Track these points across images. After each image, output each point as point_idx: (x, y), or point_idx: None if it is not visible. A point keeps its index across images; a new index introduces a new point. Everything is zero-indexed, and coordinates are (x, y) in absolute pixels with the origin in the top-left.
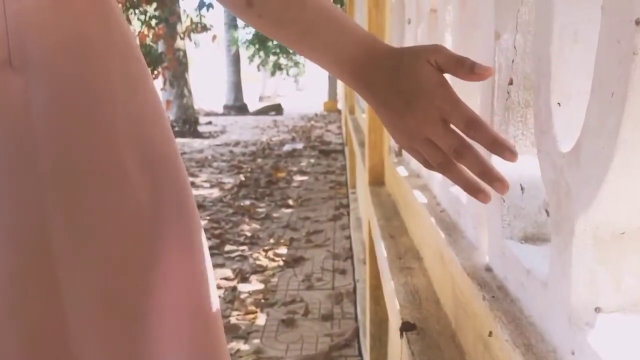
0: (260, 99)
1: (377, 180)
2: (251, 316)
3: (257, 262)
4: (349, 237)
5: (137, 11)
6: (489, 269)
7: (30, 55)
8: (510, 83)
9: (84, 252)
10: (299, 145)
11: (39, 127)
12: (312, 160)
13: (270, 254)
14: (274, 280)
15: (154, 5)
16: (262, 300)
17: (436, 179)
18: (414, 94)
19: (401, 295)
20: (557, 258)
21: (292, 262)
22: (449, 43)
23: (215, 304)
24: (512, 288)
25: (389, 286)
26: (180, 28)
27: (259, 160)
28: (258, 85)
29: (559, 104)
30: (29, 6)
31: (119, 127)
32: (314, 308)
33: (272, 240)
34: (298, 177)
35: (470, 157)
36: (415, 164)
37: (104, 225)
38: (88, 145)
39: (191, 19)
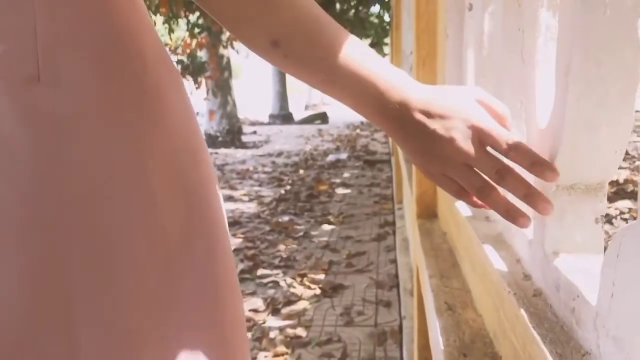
0: (306, 107)
1: (427, 212)
2: (280, 358)
3: (291, 290)
4: (394, 261)
5: (179, 21)
6: None
7: (60, 71)
8: None
9: (103, 289)
10: (343, 156)
11: (65, 146)
12: (356, 172)
13: (306, 280)
14: (309, 312)
15: (197, 14)
16: (294, 339)
17: (519, 234)
18: (454, 120)
19: None
20: None
21: (330, 290)
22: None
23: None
24: None
25: None
26: (223, 37)
27: (301, 171)
28: (305, 94)
29: None
30: (60, 22)
31: (150, 150)
32: (353, 350)
33: (309, 263)
34: (341, 190)
35: (513, 179)
36: None
37: (128, 260)
38: (116, 169)
39: None
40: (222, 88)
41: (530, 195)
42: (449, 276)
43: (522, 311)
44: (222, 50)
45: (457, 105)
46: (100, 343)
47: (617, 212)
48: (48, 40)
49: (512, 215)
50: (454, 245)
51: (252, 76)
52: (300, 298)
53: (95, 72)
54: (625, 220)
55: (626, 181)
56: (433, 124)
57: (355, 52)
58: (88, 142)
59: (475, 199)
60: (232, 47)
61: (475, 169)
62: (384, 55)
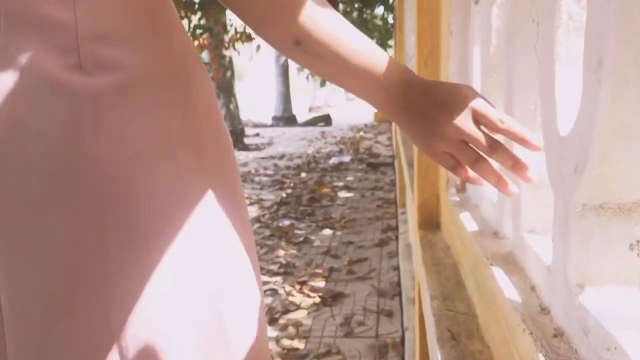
0: (310, 109)
1: (429, 223)
2: None
3: (290, 299)
4: (397, 268)
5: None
6: None
7: (102, 60)
8: None
9: (136, 253)
10: (346, 158)
11: (102, 119)
12: (359, 174)
13: (305, 288)
14: (307, 322)
15: (199, 14)
16: (291, 352)
17: (534, 256)
18: (453, 103)
19: None
20: None
21: (330, 299)
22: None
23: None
24: None
25: None
26: (226, 37)
27: (303, 174)
28: (309, 96)
29: None
30: (99, 10)
31: (178, 131)
32: None
33: (309, 270)
34: (343, 194)
35: (503, 151)
36: (487, 211)
37: (155, 230)
38: (146, 145)
39: (235, 29)
40: (224, 90)
41: (517, 165)
42: (453, 298)
43: (541, 357)
44: (224, 52)
45: (456, 89)
46: (131, 295)
47: None
48: (88, 33)
49: (502, 184)
50: (459, 259)
51: (256, 78)
52: (299, 307)
53: (131, 63)
54: None
55: None
56: (435, 109)
57: (365, 47)
58: (123, 117)
59: (468, 174)
60: (234, 49)
61: (470, 145)
62: None
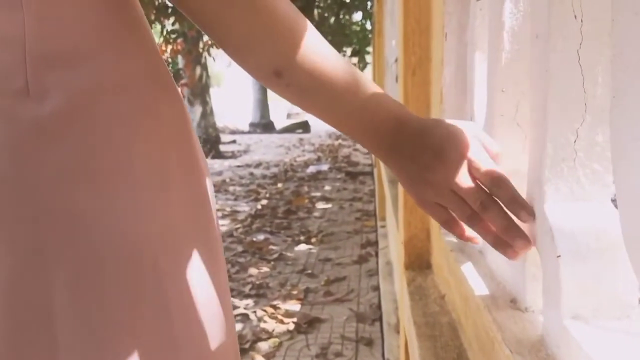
0: (288, 116)
1: (418, 263)
2: None
3: (262, 325)
4: (377, 288)
5: (154, 26)
6: None
7: (49, 85)
8: None
9: (85, 290)
10: (324, 167)
11: (50, 157)
12: (338, 184)
13: (278, 312)
14: (280, 353)
15: (172, 19)
16: None
17: (580, 356)
18: (446, 149)
19: None
20: None
21: (305, 325)
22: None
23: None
24: None
25: None
26: (201, 43)
27: (280, 184)
28: (286, 102)
29: None
30: (50, 35)
31: (137, 165)
32: None
33: (283, 291)
34: (321, 205)
35: (496, 210)
36: (497, 265)
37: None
38: (98, 177)
39: None
40: (199, 96)
41: (510, 229)
42: None
43: None
44: (199, 57)
45: (452, 135)
46: (80, 342)
47: None
48: (36, 54)
49: (501, 245)
50: (457, 317)
51: (234, 84)
52: (271, 335)
53: (82, 89)
54: None
55: None
56: (426, 154)
57: (354, 82)
58: (71, 146)
59: (463, 231)
60: (209, 54)
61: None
62: (366, 63)
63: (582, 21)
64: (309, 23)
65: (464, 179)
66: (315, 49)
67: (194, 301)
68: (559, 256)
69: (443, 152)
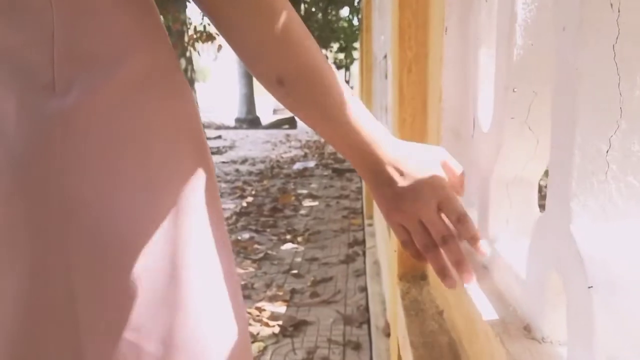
0: (275, 111)
1: (412, 274)
2: None
3: None
4: (364, 289)
5: None
6: None
7: (73, 81)
8: None
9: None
10: (311, 164)
11: (73, 148)
12: (325, 181)
13: (264, 315)
14: (265, 358)
15: None
16: None
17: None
18: (420, 183)
19: None
20: None
21: (291, 328)
22: None
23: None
24: None
25: None
26: (186, 37)
27: (265, 181)
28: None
29: None
30: (76, 36)
31: (155, 169)
32: None
33: (268, 292)
34: (307, 203)
35: (452, 246)
36: (505, 284)
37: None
38: (119, 174)
39: (195, 28)
40: None
41: (460, 264)
42: None
43: None
44: (184, 51)
45: (426, 170)
46: (103, 342)
47: None
48: (63, 53)
49: (443, 274)
50: (458, 339)
51: (220, 79)
52: (255, 339)
53: (103, 87)
54: None
55: None
56: (402, 182)
57: (344, 102)
58: (93, 138)
59: (416, 253)
60: (194, 49)
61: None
62: (353, 59)
63: (619, 11)
64: (315, 43)
65: (431, 214)
66: (316, 67)
67: (203, 273)
68: (591, 287)
69: (417, 187)
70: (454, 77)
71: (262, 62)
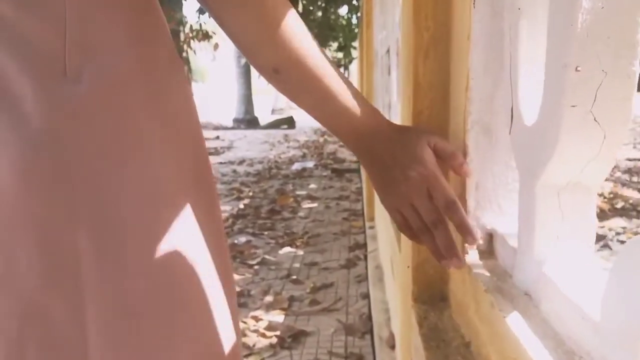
0: (273, 111)
1: (430, 294)
2: None
3: (242, 340)
4: (366, 296)
5: None
6: None
7: (83, 69)
8: None
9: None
10: (310, 164)
11: (83, 129)
12: (324, 182)
13: (261, 325)
14: None
15: None
16: None
17: None
18: (411, 167)
19: None
20: None
21: (290, 339)
22: None
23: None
24: None
25: None
26: (181, 36)
27: (263, 183)
28: (271, 98)
29: None
30: (87, 27)
31: (157, 151)
32: None
33: (265, 300)
34: (306, 204)
35: (442, 230)
36: (552, 308)
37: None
38: (127, 159)
39: (191, 26)
40: None
41: (449, 248)
42: None
43: None
44: (180, 50)
45: (418, 155)
46: (106, 317)
47: None
48: (75, 43)
49: (438, 255)
50: None
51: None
52: (251, 352)
53: (111, 74)
54: None
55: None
56: (395, 167)
57: (340, 86)
58: (101, 122)
59: (412, 235)
60: (190, 48)
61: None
62: (352, 58)
63: None
64: (309, 35)
65: (422, 199)
66: (310, 55)
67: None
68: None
69: (409, 171)
70: (485, 60)
71: (259, 53)
